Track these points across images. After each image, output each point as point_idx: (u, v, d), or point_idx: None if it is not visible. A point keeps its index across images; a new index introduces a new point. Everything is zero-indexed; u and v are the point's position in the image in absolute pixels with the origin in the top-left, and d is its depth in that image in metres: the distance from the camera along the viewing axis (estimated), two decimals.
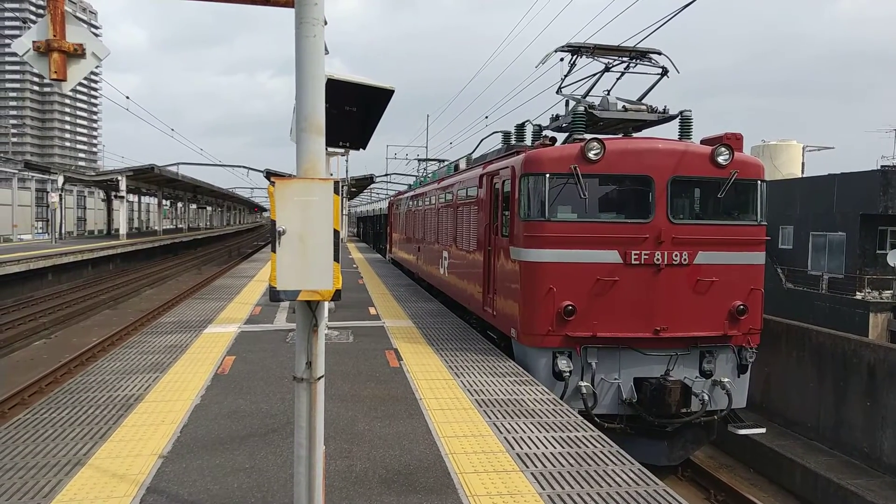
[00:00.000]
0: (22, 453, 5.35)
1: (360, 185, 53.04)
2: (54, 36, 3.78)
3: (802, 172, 32.94)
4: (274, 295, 3.20)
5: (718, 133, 9.56)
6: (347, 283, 18.37)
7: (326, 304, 3.36)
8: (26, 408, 8.10)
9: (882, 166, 26.30)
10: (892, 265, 22.46)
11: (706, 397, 8.80)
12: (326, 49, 9.24)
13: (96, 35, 4.15)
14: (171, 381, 7.66)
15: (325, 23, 7.12)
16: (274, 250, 3.12)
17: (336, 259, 3.17)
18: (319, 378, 3.28)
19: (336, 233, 3.14)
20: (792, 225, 26.54)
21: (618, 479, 5.12)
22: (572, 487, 4.94)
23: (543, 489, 4.89)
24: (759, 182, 9.22)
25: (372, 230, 51.28)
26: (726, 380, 8.93)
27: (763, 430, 9.51)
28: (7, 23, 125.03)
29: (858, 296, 22.54)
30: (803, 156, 34.09)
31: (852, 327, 19.73)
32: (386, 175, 55.25)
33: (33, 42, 3.81)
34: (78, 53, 3.86)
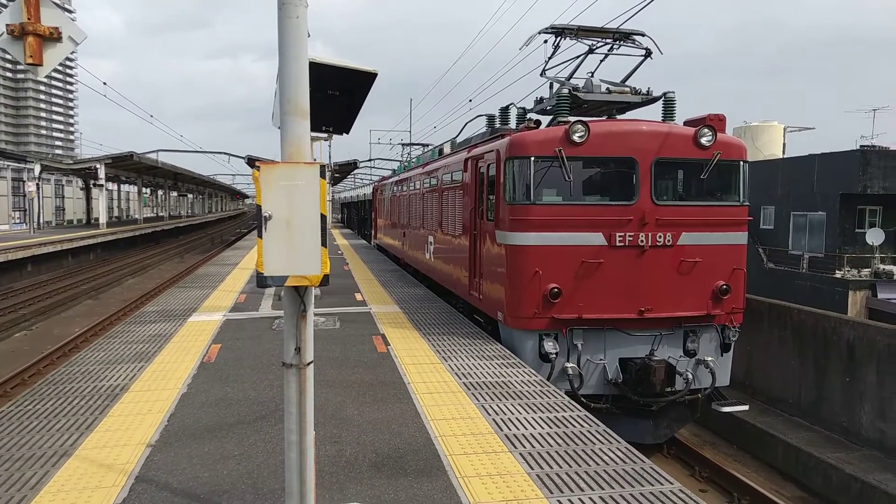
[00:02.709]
0: (7, 445, 5.29)
1: (344, 170, 52.60)
2: (28, 19, 3.68)
3: (784, 153, 33.25)
4: (261, 281, 3.17)
5: (702, 115, 9.60)
6: (333, 269, 18.22)
7: (314, 290, 3.34)
8: (9, 400, 8.01)
9: (861, 146, 26.63)
10: (871, 244, 22.86)
11: (690, 376, 8.92)
12: (308, 32, 9.13)
13: (70, 19, 4.05)
14: (156, 371, 7.60)
15: (307, 5, 7.02)
16: (260, 236, 3.08)
17: (323, 244, 3.15)
18: (309, 364, 3.27)
19: (323, 217, 3.11)
20: (773, 205, 26.84)
21: (605, 458, 5.19)
22: (560, 467, 5.00)
23: (532, 469, 4.95)
24: (741, 163, 9.29)
25: (356, 216, 51.08)
26: (710, 359, 9.06)
27: (746, 408, 9.68)
28: None
29: (838, 274, 22.93)
30: (784, 136, 34.41)
31: (832, 305, 20.09)
32: (370, 160, 54.88)
33: (7, 25, 3.71)
34: (54, 37, 3.77)
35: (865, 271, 23.01)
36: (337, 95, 9.35)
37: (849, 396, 10.70)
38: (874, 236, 22.78)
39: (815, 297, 21.61)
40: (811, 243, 25.04)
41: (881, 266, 22.84)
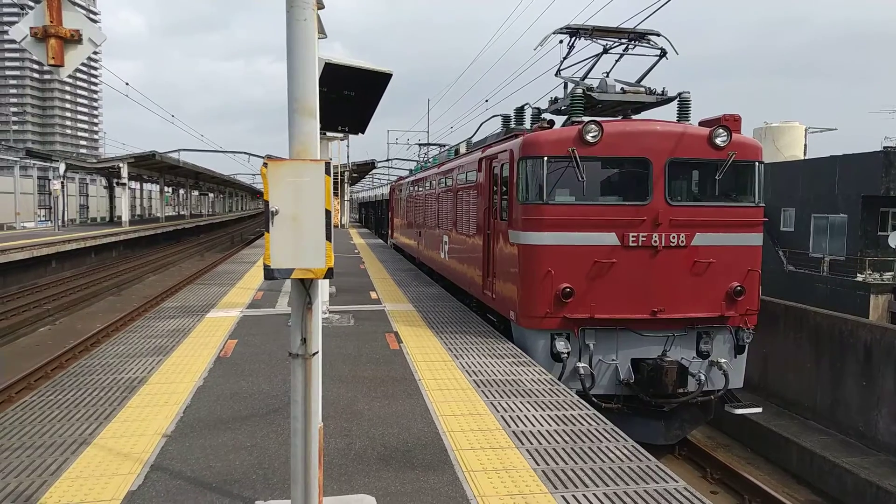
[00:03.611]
0: (29, 433, 5.47)
1: (362, 170, 53.04)
2: (51, 22, 3.83)
3: (805, 154, 32.79)
4: (268, 273, 3.28)
5: (717, 115, 9.56)
6: (349, 268, 18.48)
7: (320, 283, 3.44)
8: (32, 392, 8.23)
9: (884, 147, 26.17)
10: (893, 247, 22.45)
11: (703, 377, 8.89)
12: (325, 32, 9.17)
13: (95, 22, 4.20)
14: (174, 364, 7.78)
15: (322, 6, 7.09)
16: (267, 230, 3.19)
17: (328, 238, 3.25)
18: (314, 354, 3.37)
19: (328, 212, 3.21)
20: (794, 207, 26.50)
21: (611, 456, 5.22)
22: (566, 463, 5.04)
23: (538, 465, 5.00)
24: (756, 163, 9.23)
25: (374, 216, 51.38)
26: (723, 360, 9.01)
27: (759, 410, 9.62)
28: (5, 9, 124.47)
29: (859, 278, 22.56)
30: (806, 137, 33.92)
31: (853, 309, 19.78)
32: (387, 160, 55.21)
33: (30, 28, 3.87)
34: (75, 39, 3.92)
35: (888, 275, 22.61)
36: (352, 96, 9.47)
37: (865, 400, 10.57)
38: None
39: (836, 300, 21.30)
40: (832, 246, 24.68)
41: None
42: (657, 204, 8.77)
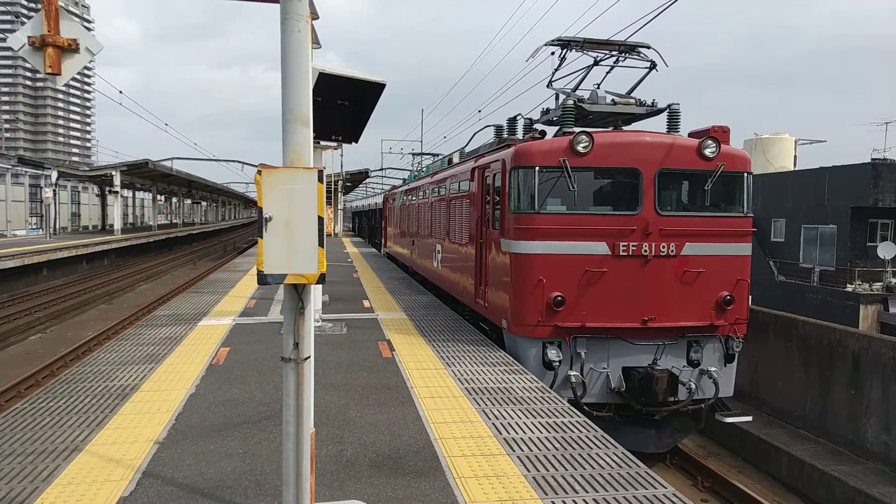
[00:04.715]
0: (20, 440, 5.47)
1: (356, 179, 53.11)
2: (49, 31, 3.89)
3: (795, 165, 33.13)
4: (261, 278, 3.33)
5: (706, 126, 9.70)
6: (342, 276, 18.50)
7: (313, 288, 3.49)
8: (24, 399, 8.21)
9: (873, 159, 26.49)
10: (882, 257, 22.71)
11: (693, 386, 8.96)
12: (318, 42, 9.27)
13: (89, 29, 4.26)
14: (166, 372, 7.78)
15: (317, 16, 7.18)
16: (261, 236, 3.25)
17: (321, 244, 3.31)
18: (306, 358, 3.41)
19: (320, 219, 3.27)
20: (784, 218, 26.75)
21: (601, 462, 5.27)
22: (556, 469, 5.09)
23: (528, 471, 5.04)
24: (745, 174, 9.36)
25: (367, 225, 51.41)
26: (713, 369, 9.09)
27: (749, 419, 9.69)
28: None
29: (849, 288, 22.78)
30: (795, 149, 34.28)
31: (843, 319, 19.96)
32: (381, 170, 55.32)
33: (28, 37, 3.93)
34: (72, 48, 3.98)
35: (877, 285, 22.85)
36: (346, 105, 9.55)
37: (854, 409, 10.67)
38: (886, 250, 22.62)
39: (826, 310, 21.49)
40: (822, 256, 24.92)
41: (893, 280, 22.67)
42: (647, 214, 8.88)
